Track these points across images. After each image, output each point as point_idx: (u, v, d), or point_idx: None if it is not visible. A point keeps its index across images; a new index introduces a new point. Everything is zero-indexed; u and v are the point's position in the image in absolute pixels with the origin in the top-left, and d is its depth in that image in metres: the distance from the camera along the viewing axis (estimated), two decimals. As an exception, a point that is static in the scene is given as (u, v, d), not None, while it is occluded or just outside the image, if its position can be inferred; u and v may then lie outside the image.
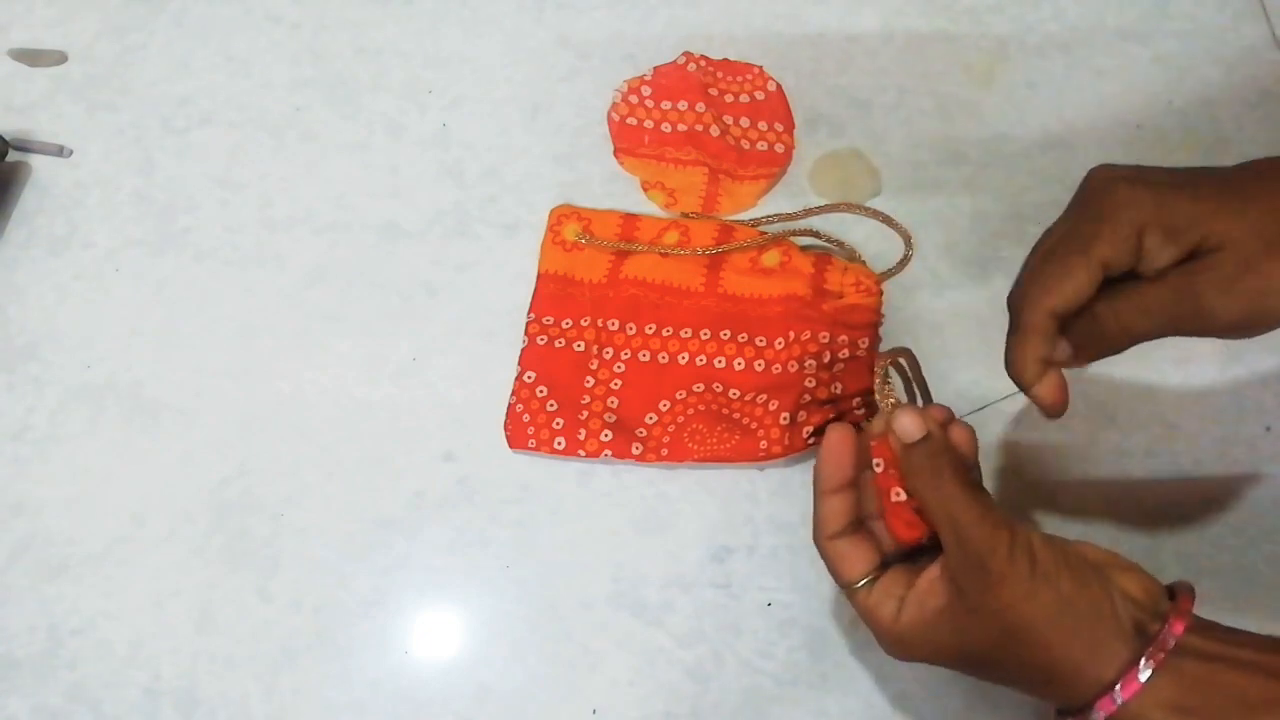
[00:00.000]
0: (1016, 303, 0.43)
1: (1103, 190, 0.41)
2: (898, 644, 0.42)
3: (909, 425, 0.41)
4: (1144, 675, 0.37)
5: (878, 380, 0.45)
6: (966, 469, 0.42)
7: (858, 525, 0.44)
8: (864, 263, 0.59)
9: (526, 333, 0.58)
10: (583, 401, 0.56)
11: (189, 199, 0.63)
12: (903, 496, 0.42)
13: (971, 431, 0.44)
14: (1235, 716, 0.36)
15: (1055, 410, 0.43)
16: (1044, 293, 0.41)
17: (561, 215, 0.61)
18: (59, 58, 0.68)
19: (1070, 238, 0.41)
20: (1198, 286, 0.39)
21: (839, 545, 0.43)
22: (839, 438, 0.44)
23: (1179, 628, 0.38)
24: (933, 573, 0.41)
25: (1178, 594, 0.40)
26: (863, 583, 0.43)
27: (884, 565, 0.43)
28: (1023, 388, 0.43)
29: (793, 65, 0.66)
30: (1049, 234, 0.43)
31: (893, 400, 0.44)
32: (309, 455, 0.56)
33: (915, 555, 0.44)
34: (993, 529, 0.39)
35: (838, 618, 0.52)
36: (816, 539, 0.44)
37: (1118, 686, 0.37)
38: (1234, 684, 0.37)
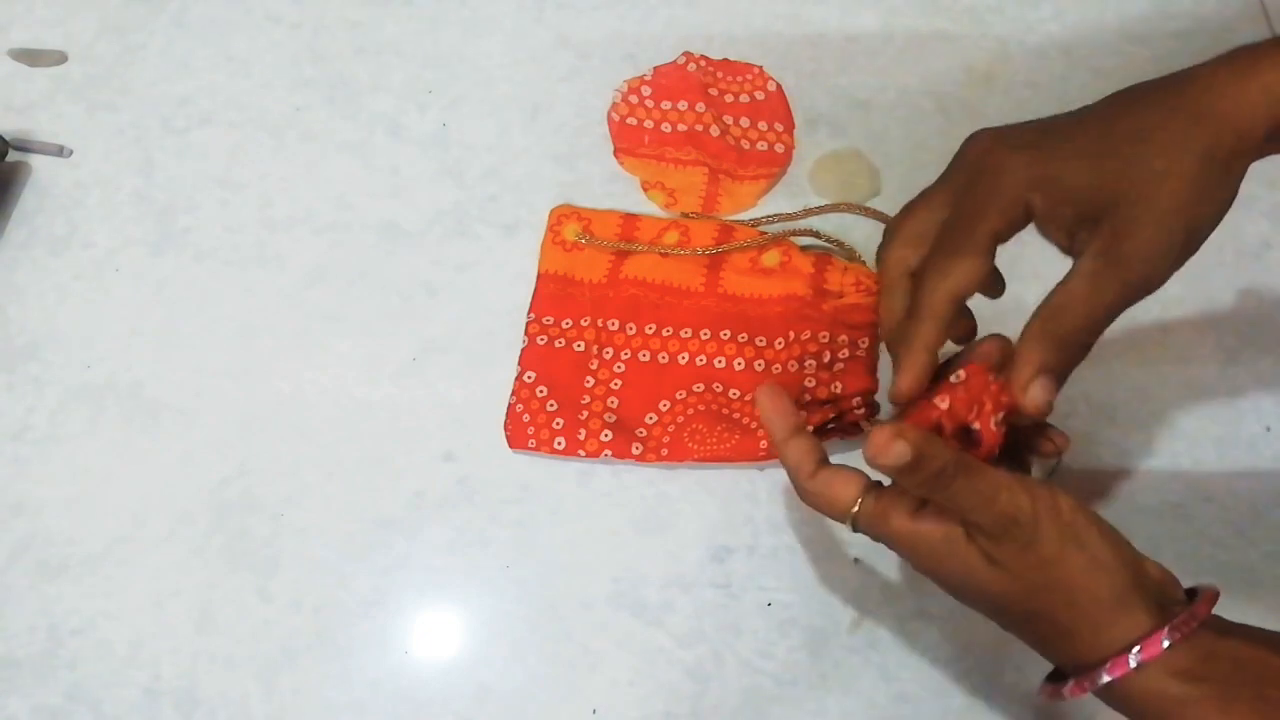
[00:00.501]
0: (903, 281, 0.43)
1: (982, 160, 0.41)
2: (916, 547, 0.40)
3: (895, 456, 0.38)
4: (1165, 643, 0.37)
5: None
6: (958, 453, 0.39)
7: (827, 464, 0.43)
8: (864, 263, 0.59)
9: (526, 333, 0.58)
10: (583, 401, 0.56)
11: (189, 199, 0.63)
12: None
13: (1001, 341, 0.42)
14: (1247, 685, 0.36)
15: (901, 399, 0.42)
16: (942, 277, 0.41)
17: (561, 215, 0.61)
18: (59, 58, 0.68)
19: (960, 218, 0.41)
20: (1122, 250, 0.39)
21: (821, 476, 0.42)
22: (768, 391, 0.43)
23: (1203, 610, 0.38)
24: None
25: (1201, 588, 0.40)
26: (861, 500, 0.41)
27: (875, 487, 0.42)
28: (897, 372, 0.42)
29: (793, 65, 0.66)
30: (919, 201, 0.43)
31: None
32: (309, 455, 0.56)
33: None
34: (1011, 494, 0.38)
35: (838, 618, 0.52)
36: (798, 487, 0.43)
37: (1137, 649, 0.37)
38: (1245, 657, 0.37)
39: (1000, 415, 0.40)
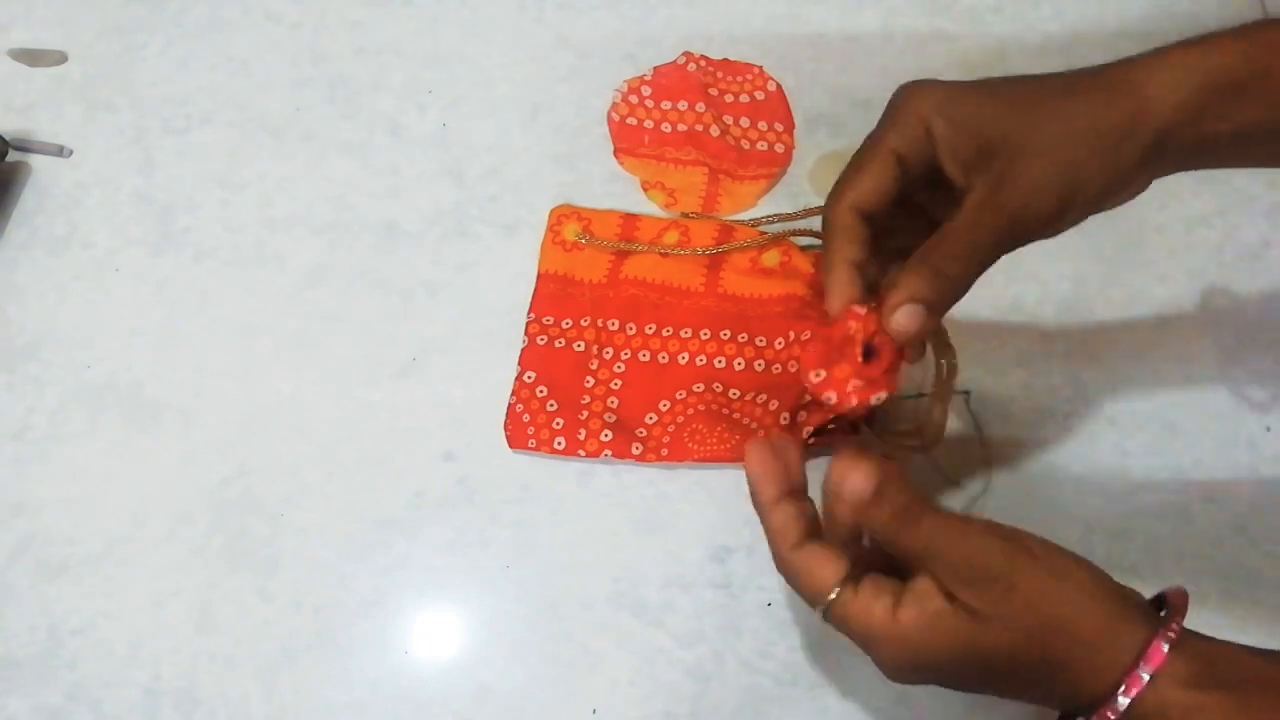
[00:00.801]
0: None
1: (899, 93, 0.42)
2: (901, 644, 0.38)
3: (861, 481, 0.38)
4: (1165, 647, 0.36)
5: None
6: (923, 498, 0.39)
7: (816, 536, 0.41)
8: (864, 263, 0.59)
9: (526, 333, 0.58)
10: (583, 401, 0.56)
11: (189, 199, 0.63)
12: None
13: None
14: (1254, 691, 0.36)
15: (833, 311, 0.42)
16: (844, 189, 0.42)
17: (561, 215, 0.61)
18: (59, 58, 0.68)
19: (868, 139, 0.43)
20: (1003, 193, 0.39)
21: (804, 550, 0.40)
22: (756, 451, 0.42)
23: (1182, 603, 0.38)
24: (924, 582, 0.38)
25: (1168, 592, 0.39)
26: (839, 590, 0.39)
27: (859, 574, 0.40)
28: (828, 290, 0.43)
29: (793, 65, 0.66)
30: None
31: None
32: (309, 455, 0.56)
33: (890, 569, 0.41)
34: (984, 540, 0.38)
35: (838, 618, 0.52)
36: (778, 556, 0.41)
37: (1142, 663, 0.36)
38: (1250, 663, 0.37)
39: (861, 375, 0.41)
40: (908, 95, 0.42)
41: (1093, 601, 0.38)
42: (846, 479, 0.39)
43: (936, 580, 0.38)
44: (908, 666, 0.39)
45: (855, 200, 0.42)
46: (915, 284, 0.40)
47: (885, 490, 0.38)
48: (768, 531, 0.42)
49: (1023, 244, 0.41)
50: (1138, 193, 0.43)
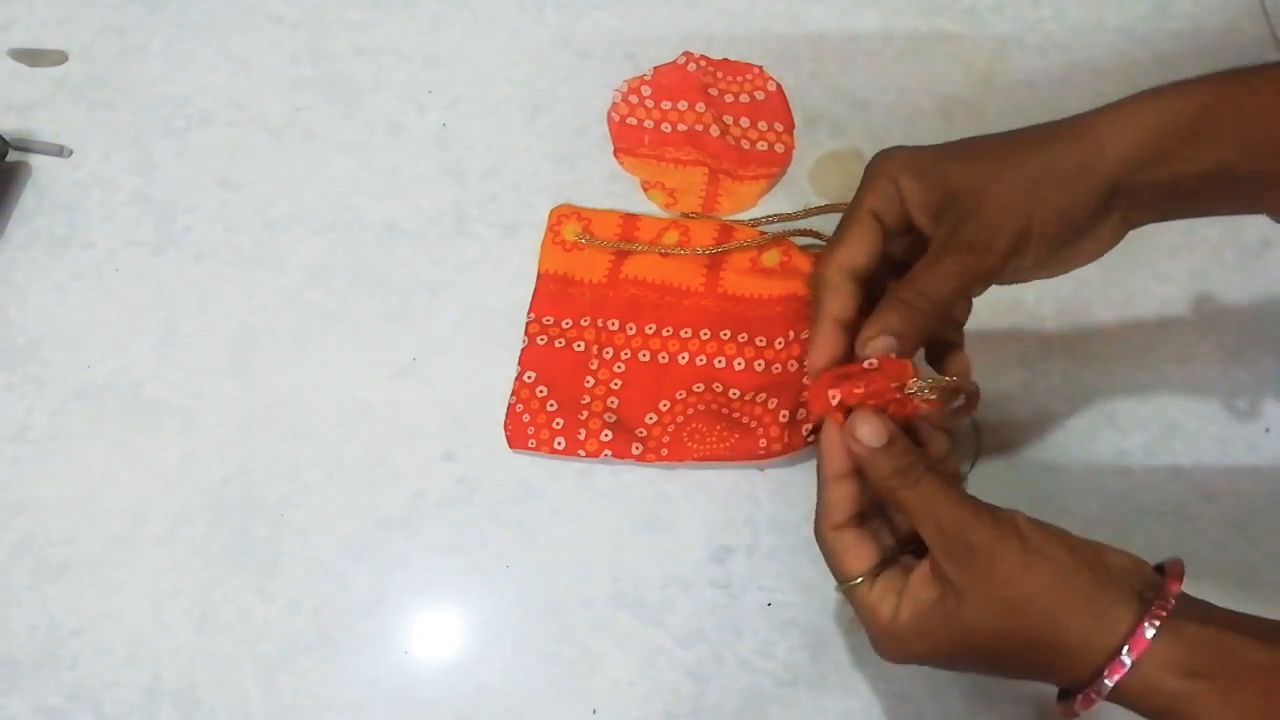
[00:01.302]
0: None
1: (872, 161, 0.46)
2: (894, 641, 0.42)
3: (871, 431, 0.42)
4: (1149, 633, 0.37)
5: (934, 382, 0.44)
6: (928, 464, 0.42)
7: (861, 519, 0.44)
8: (864, 263, 0.59)
9: (526, 333, 0.58)
10: (583, 401, 0.56)
11: (189, 199, 0.63)
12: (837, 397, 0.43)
13: (979, 391, 0.45)
14: (1246, 678, 0.36)
15: (813, 369, 0.45)
16: (832, 250, 0.46)
17: (561, 215, 0.61)
18: (59, 58, 0.68)
19: (849, 206, 0.46)
20: (962, 233, 0.42)
21: (844, 537, 0.43)
22: (832, 426, 0.44)
23: (1175, 587, 0.38)
24: (923, 569, 0.41)
25: (1166, 564, 0.40)
26: (861, 580, 0.43)
27: (883, 564, 0.43)
28: (811, 344, 0.46)
29: (793, 65, 0.66)
30: None
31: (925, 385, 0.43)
32: (309, 455, 0.56)
33: (916, 554, 0.43)
34: (973, 514, 0.40)
35: (838, 618, 0.52)
36: (819, 529, 0.44)
37: (1125, 648, 0.37)
38: (1240, 648, 0.37)
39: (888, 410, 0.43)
40: (879, 160, 0.45)
41: (1075, 581, 0.38)
42: (861, 426, 0.42)
43: (932, 558, 0.40)
44: (901, 659, 0.42)
45: (841, 261, 0.45)
46: (887, 317, 0.43)
47: (893, 445, 0.42)
48: (820, 502, 0.44)
49: (988, 280, 0.44)
50: (1110, 242, 0.45)
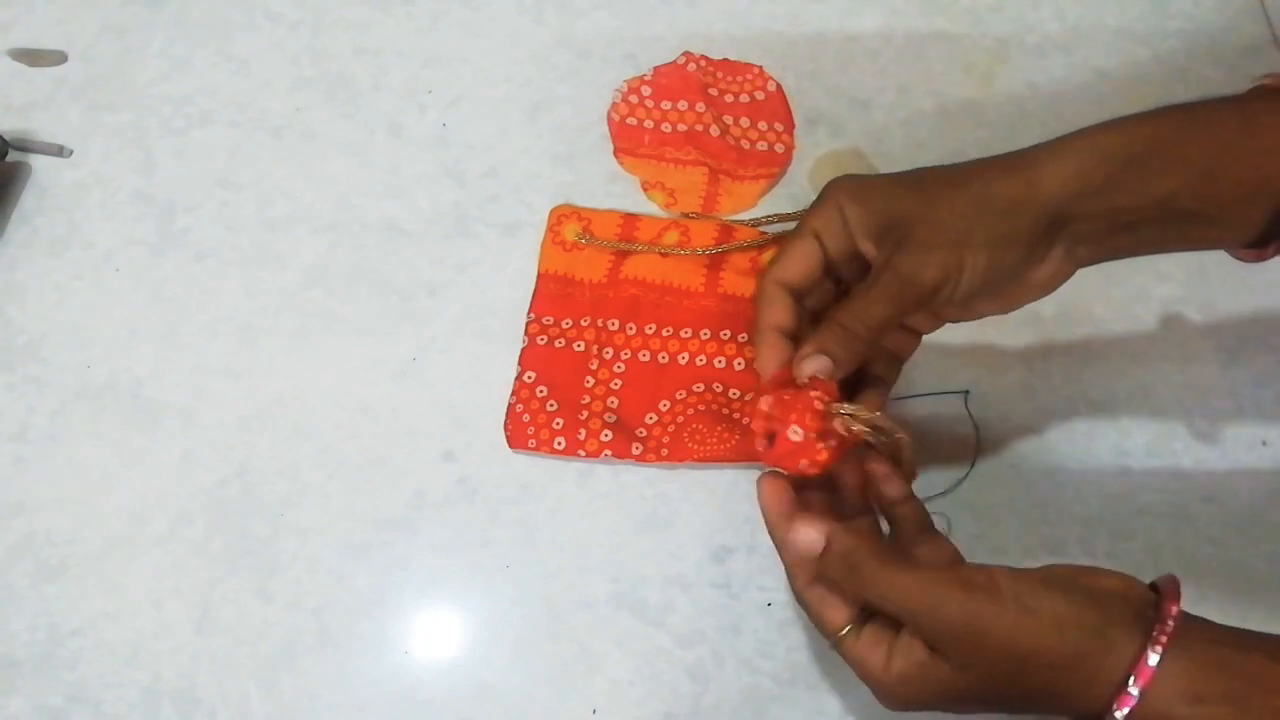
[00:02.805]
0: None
1: (825, 187, 0.47)
2: (891, 694, 0.41)
3: (807, 539, 0.42)
4: (1153, 660, 0.36)
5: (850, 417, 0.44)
6: (881, 554, 0.41)
7: None
8: (864, 263, 0.59)
9: (526, 333, 0.58)
10: (583, 401, 0.56)
11: (189, 199, 0.63)
12: (799, 435, 0.43)
13: (909, 442, 0.45)
14: (1255, 700, 0.36)
15: (764, 373, 0.46)
16: (772, 268, 0.47)
17: (561, 215, 0.61)
18: (59, 58, 0.68)
19: (796, 225, 0.47)
20: (895, 259, 0.43)
21: (817, 591, 0.43)
22: (769, 485, 0.44)
23: (1175, 609, 0.38)
24: (908, 635, 0.40)
25: (1161, 582, 0.39)
26: (847, 629, 0.42)
27: (868, 613, 0.42)
28: (757, 352, 0.46)
29: (793, 65, 0.66)
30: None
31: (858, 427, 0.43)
32: (309, 455, 0.56)
33: None
34: (944, 587, 0.39)
35: (838, 618, 0.52)
36: (793, 589, 0.44)
37: (1131, 679, 0.36)
38: (1248, 668, 0.36)
39: (815, 432, 0.43)
40: (829, 186, 0.46)
41: (1070, 627, 0.38)
42: (799, 537, 0.42)
43: (915, 631, 0.40)
44: (902, 708, 0.41)
45: (779, 275, 0.46)
46: (824, 338, 0.44)
47: (831, 546, 0.41)
48: (784, 564, 0.44)
49: (919, 306, 0.44)
50: (1058, 277, 0.45)
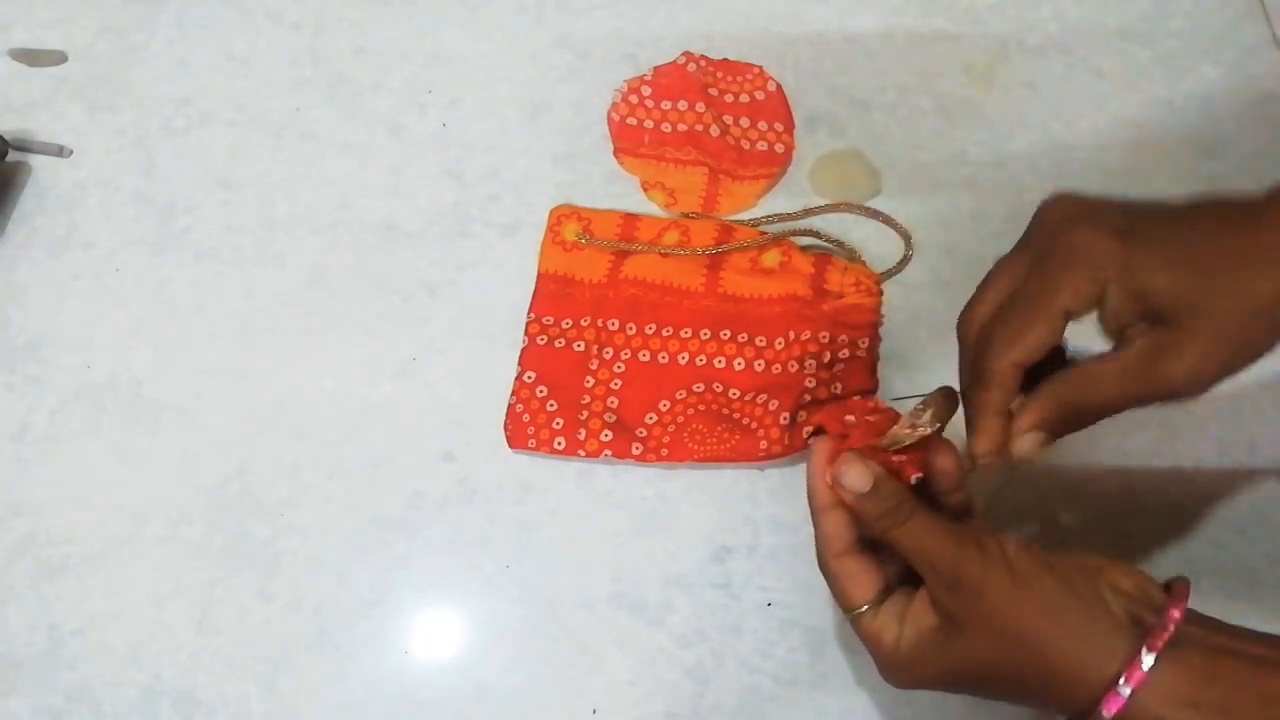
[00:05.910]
0: (976, 345, 0.43)
1: (1062, 233, 0.40)
2: (898, 669, 0.41)
3: (856, 478, 0.41)
4: (1147, 663, 0.36)
5: (918, 411, 0.43)
6: (915, 501, 0.41)
7: (862, 545, 0.43)
8: (864, 263, 0.59)
9: (526, 333, 0.58)
10: (583, 401, 0.56)
11: (189, 199, 0.63)
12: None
13: (953, 452, 0.43)
14: (1250, 710, 0.36)
15: (984, 459, 0.42)
16: (1007, 345, 0.41)
17: (561, 215, 0.61)
18: (59, 58, 0.68)
19: (1032, 287, 0.41)
20: (1162, 360, 0.39)
21: (846, 564, 0.43)
22: (822, 450, 0.44)
23: (1177, 614, 0.37)
24: (923, 596, 0.41)
25: (1173, 585, 0.39)
26: (866, 607, 0.42)
27: (887, 590, 0.43)
28: (971, 433, 0.42)
29: (793, 65, 0.66)
30: (1001, 266, 0.43)
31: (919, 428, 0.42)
32: (309, 455, 0.56)
33: (918, 579, 0.42)
34: (959, 547, 0.39)
35: (838, 618, 0.52)
36: (822, 559, 0.43)
37: (1122, 679, 0.36)
38: (1244, 676, 0.36)
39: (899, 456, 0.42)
40: (1078, 244, 0.39)
41: (1063, 612, 0.38)
42: (847, 473, 0.41)
43: (928, 589, 0.40)
44: (905, 686, 0.42)
45: (1021, 360, 0.41)
46: (1046, 412, 0.41)
47: (879, 488, 0.41)
48: (817, 532, 0.44)
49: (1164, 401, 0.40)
50: None
